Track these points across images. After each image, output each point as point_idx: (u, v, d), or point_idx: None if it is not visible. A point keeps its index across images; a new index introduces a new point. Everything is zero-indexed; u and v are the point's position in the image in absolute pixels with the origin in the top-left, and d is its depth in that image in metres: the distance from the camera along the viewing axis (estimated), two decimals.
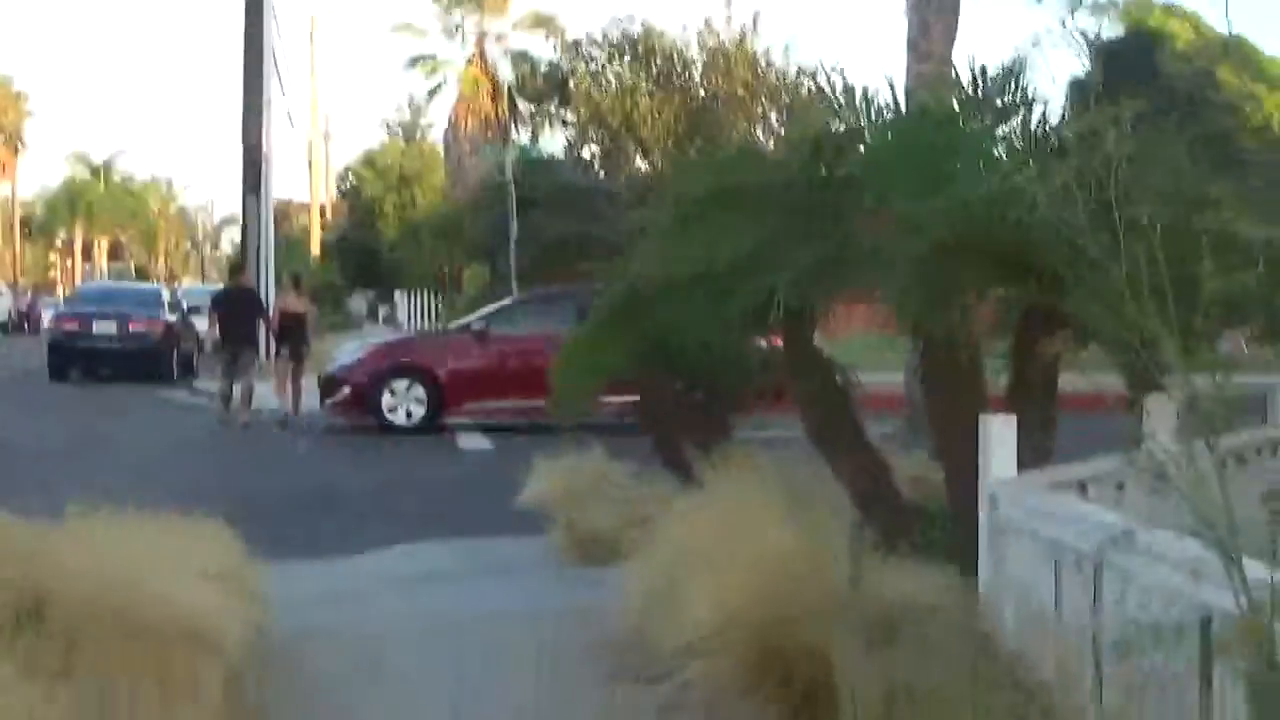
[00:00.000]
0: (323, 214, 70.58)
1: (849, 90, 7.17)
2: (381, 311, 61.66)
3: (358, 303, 65.44)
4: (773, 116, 41.29)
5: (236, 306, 22.05)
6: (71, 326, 30.28)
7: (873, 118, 7.19)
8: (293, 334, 21.96)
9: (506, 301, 23.51)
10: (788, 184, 7.09)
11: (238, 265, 26.54)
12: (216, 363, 22.39)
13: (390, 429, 19.52)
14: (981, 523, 5.60)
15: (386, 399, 19.77)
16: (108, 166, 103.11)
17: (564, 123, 45.41)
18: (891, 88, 7.26)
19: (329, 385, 20.36)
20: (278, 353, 22.40)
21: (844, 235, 6.67)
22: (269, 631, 6.91)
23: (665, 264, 7.46)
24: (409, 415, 19.77)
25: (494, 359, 19.96)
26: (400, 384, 19.87)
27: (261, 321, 22.87)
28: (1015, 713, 4.40)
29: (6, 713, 4.35)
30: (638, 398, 10.03)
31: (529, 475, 9.85)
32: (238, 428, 20.58)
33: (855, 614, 5.30)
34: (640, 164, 42.33)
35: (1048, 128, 6.89)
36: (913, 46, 11.73)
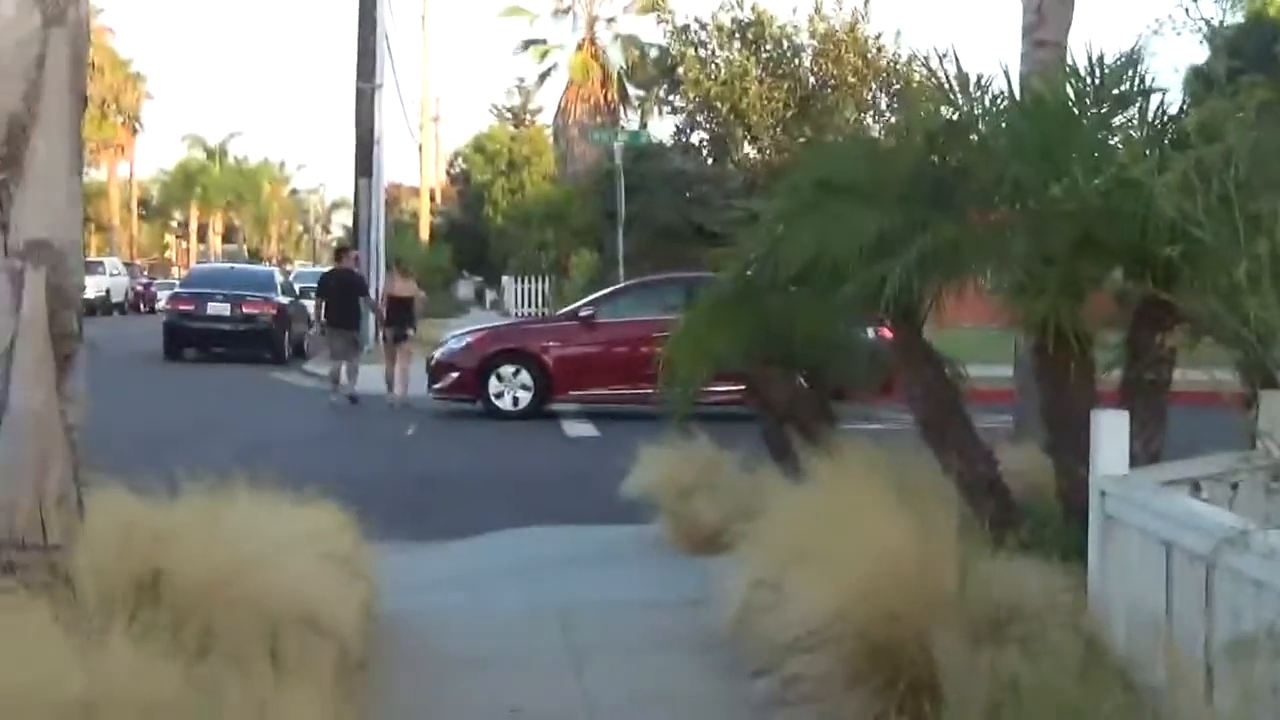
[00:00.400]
0: (432, 198, 71.15)
1: (962, 78, 7.11)
2: (489, 297, 62.03)
3: (465, 288, 65.94)
4: (883, 103, 41.01)
5: (340, 289, 22.58)
6: (186, 307, 30.76)
7: (987, 106, 7.12)
8: (400, 317, 22.48)
9: (613, 288, 23.65)
10: (900, 173, 7.05)
11: (342, 248, 27.01)
12: (324, 345, 23.03)
13: (497, 414, 19.67)
14: (1091, 520, 5.53)
15: (494, 385, 19.96)
16: (222, 149, 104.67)
17: (673, 109, 45.36)
18: (1006, 75, 7.19)
19: (437, 370, 20.52)
20: (386, 336, 22.84)
21: (957, 226, 6.61)
22: (381, 614, 7.02)
23: (776, 252, 7.45)
24: (516, 401, 19.93)
25: (601, 345, 20.04)
26: (507, 370, 20.03)
27: (365, 304, 23.30)
28: (1124, 716, 4.35)
29: (120, 686, 4.43)
30: (744, 387, 10.01)
31: (635, 463, 9.88)
32: (344, 406, 21.17)
33: (962, 611, 5.27)
34: (749, 151, 42.20)
35: (1166, 118, 6.79)
36: (1028, 32, 11.58)
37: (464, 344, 20.80)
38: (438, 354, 21.04)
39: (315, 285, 25.00)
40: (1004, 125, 6.96)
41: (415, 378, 21.46)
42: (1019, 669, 4.81)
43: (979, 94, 7.10)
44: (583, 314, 20.72)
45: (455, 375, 20.20)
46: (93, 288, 51.90)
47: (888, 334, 8.07)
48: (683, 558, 8.98)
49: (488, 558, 9.65)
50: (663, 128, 47.12)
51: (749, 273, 8.42)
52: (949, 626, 5.11)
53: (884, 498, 6.01)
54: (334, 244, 29.77)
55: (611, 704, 6.10)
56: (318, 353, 30.91)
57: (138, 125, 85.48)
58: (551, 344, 20.24)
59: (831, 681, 5.38)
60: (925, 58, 7.50)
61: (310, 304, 33.52)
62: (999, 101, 7.11)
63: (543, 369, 20.00)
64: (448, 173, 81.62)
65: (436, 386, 20.45)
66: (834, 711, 5.38)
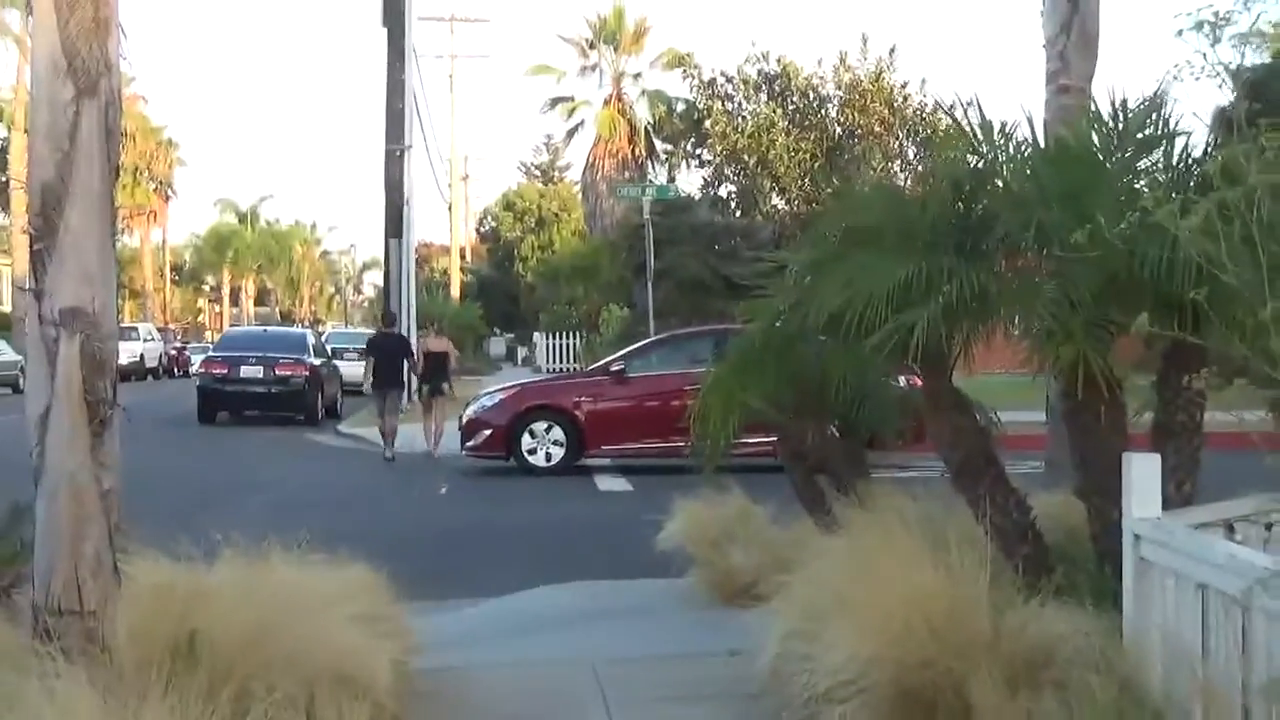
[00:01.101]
0: (462, 256, 71.43)
1: (986, 125, 7.13)
2: (520, 353, 62.16)
3: (497, 345, 66.11)
4: (910, 152, 41.10)
5: (387, 351, 23.79)
6: (220, 370, 30.93)
7: (1011, 153, 7.14)
8: (436, 372, 23.59)
9: (644, 342, 23.78)
10: (926, 221, 7.06)
11: (390, 314, 27.94)
12: (374, 403, 24.01)
13: (530, 470, 19.71)
14: (1125, 563, 5.51)
15: (526, 441, 20.05)
16: (254, 212, 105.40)
17: (700, 162, 45.55)
18: (1030, 122, 7.21)
19: (469, 428, 20.60)
20: (423, 391, 23.84)
21: (983, 273, 6.62)
22: (416, 672, 7.02)
23: (804, 303, 7.47)
24: (549, 457, 19.99)
25: (633, 400, 20.11)
26: (540, 426, 20.09)
27: (409, 364, 24.44)
28: None
29: None
30: (775, 438, 10.02)
31: (668, 516, 9.89)
32: (398, 459, 21.99)
33: (997, 656, 5.25)
34: (776, 202, 42.31)
35: (1191, 161, 6.79)
36: (1052, 79, 11.61)
37: (496, 401, 20.86)
38: (469, 411, 21.13)
39: (350, 347, 26.29)
40: (1028, 171, 6.98)
41: (449, 433, 21.62)
42: (1055, 714, 4.80)
43: (1003, 141, 7.12)
44: (614, 369, 20.79)
45: (488, 433, 20.28)
46: (126, 353, 52.24)
47: (918, 382, 8.07)
48: (717, 610, 8.97)
49: (522, 614, 9.64)
50: (690, 181, 47.36)
51: (778, 324, 8.44)
52: (984, 672, 5.10)
53: (917, 546, 6.01)
54: (381, 311, 30.52)
55: None
56: (351, 414, 31.07)
57: (170, 191, 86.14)
58: (583, 399, 20.28)
59: None
60: (950, 106, 7.51)
61: (343, 365, 34.00)
62: (1023, 148, 7.13)
63: (575, 424, 20.06)
64: (478, 230, 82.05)
65: (469, 445, 20.51)
66: None
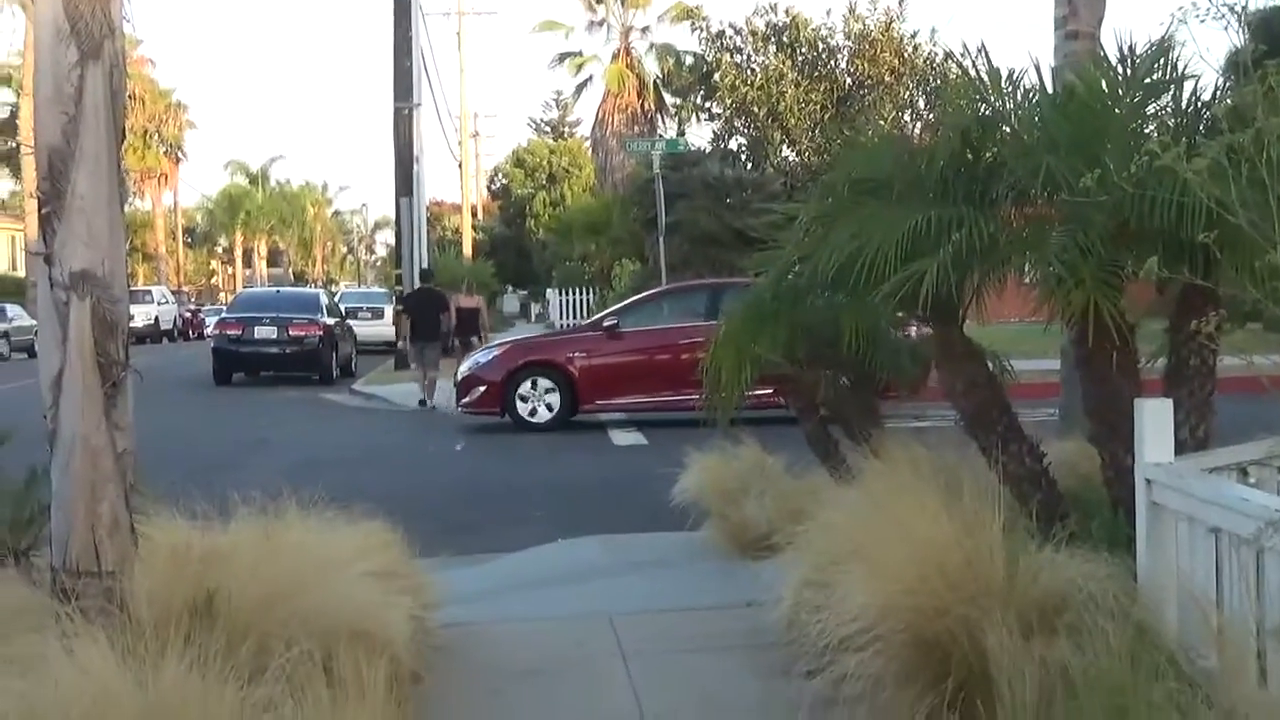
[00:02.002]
0: (474, 214, 71.38)
1: (994, 73, 7.10)
2: (534, 310, 62.16)
3: (511, 302, 66.12)
4: (921, 102, 40.94)
5: (422, 307, 25.20)
6: (234, 332, 30.96)
7: (1020, 100, 7.11)
8: (468, 326, 25.64)
9: (636, 297, 23.87)
10: (935, 171, 7.05)
11: (427, 271, 29.39)
12: (412, 357, 25.69)
13: (525, 427, 19.74)
14: (1138, 508, 5.52)
15: (520, 397, 20.04)
16: (264, 173, 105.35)
17: (710, 115, 45.42)
18: (1038, 69, 7.17)
19: (464, 385, 20.61)
20: (456, 344, 25.22)
21: (993, 221, 6.61)
22: (433, 627, 7.07)
23: (814, 254, 7.46)
24: (543, 412, 20.01)
25: (626, 355, 20.11)
26: (534, 382, 20.11)
27: (444, 319, 25.27)
28: (1177, 702, 4.35)
29: (176, 709, 4.49)
30: (773, 389, 10.02)
31: (683, 470, 9.92)
32: (444, 406, 22.77)
33: (1011, 603, 5.27)
34: (787, 154, 42.19)
35: (1200, 104, 6.76)
36: (1060, 25, 11.57)
37: (490, 357, 20.88)
38: (463, 368, 21.21)
39: (364, 306, 27.47)
40: (1037, 119, 6.95)
41: (447, 390, 22.22)
42: (1070, 659, 4.81)
43: (1011, 88, 7.09)
44: (606, 324, 20.80)
45: (482, 389, 20.27)
46: (141, 316, 52.44)
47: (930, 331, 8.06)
48: (733, 561, 9.00)
49: (538, 568, 9.69)
50: (700, 135, 47.26)
51: (789, 276, 8.43)
52: (998, 619, 5.12)
53: (930, 494, 6.02)
54: (421, 266, 31.41)
55: (664, 708, 6.13)
56: (365, 373, 31.16)
57: (181, 154, 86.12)
58: (577, 355, 20.25)
59: (882, 679, 5.39)
60: (959, 54, 7.48)
61: (356, 324, 34.37)
62: (1032, 95, 7.09)
63: (569, 380, 20.06)
64: (488, 188, 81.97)
65: (464, 401, 20.52)
66: (886, 709, 5.39)
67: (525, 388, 20.06)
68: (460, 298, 26.79)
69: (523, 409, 20.00)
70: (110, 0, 5.50)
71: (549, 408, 20.01)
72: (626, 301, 22.95)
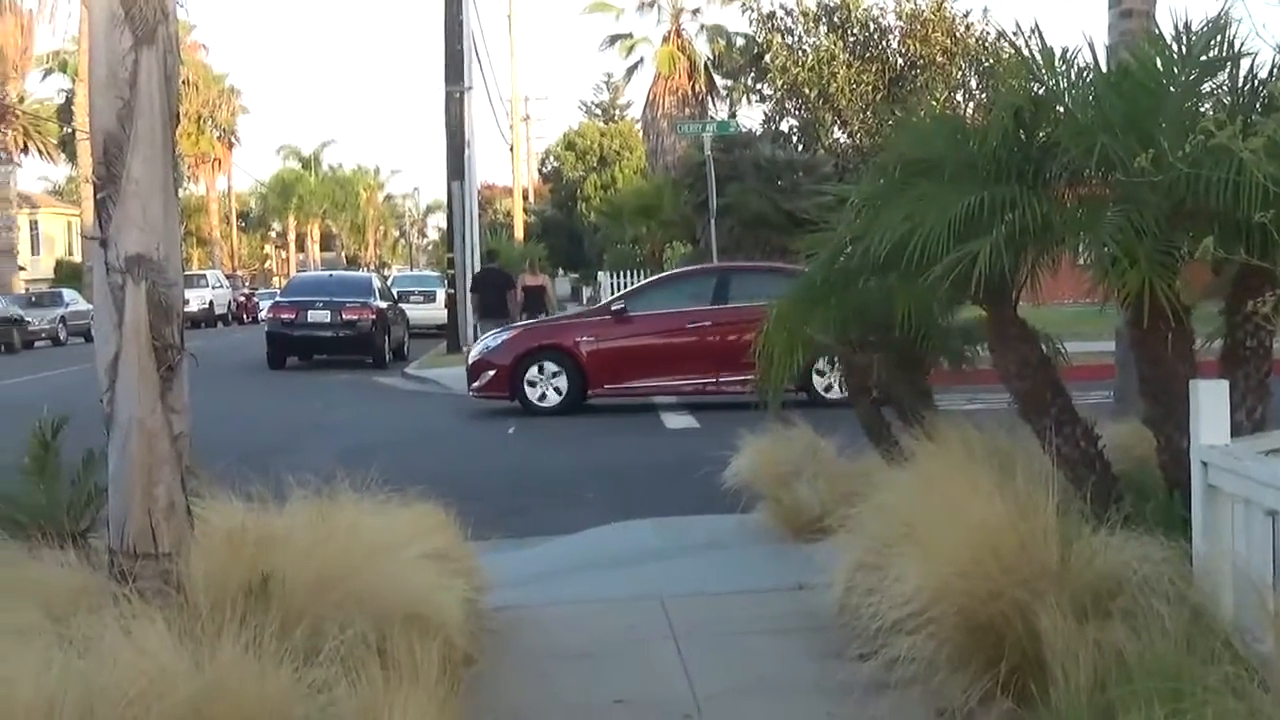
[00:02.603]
0: (525, 197, 71.42)
1: (1047, 52, 7.04)
2: (585, 293, 62.20)
3: (562, 285, 66.19)
4: (973, 82, 40.68)
5: (491, 285, 27.72)
6: (287, 316, 31.13)
7: (1073, 79, 7.05)
8: (534, 304, 27.25)
9: (643, 282, 24.27)
10: (987, 151, 7.00)
11: (493, 251, 31.43)
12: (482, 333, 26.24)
13: (534, 411, 19.80)
14: (1194, 491, 5.48)
15: (529, 381, 20.09)
16: (317, 158, 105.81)
17: (761, 97, 45.26)
18: (1092, 47, 7.11)
19: (474, 369, 20.70)
20: (523, 320, 25.53)
21: (1046, 202, 6.56)
22: (486, 610, 7.10)
23: (866, 236, 7.43)
24: (551, 396, 20.06)
25: (634, 339, 20.16)
26: (542, 366, 20.15)
27: (510, 296, 27.05)
28: (1233, 686, 4.31)
29: (232, 690, 4.53)
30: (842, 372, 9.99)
31: (735, 452, 9.91)
32: None
33: (1065, 586, 5.24)
34: (838, 135, 42.02)
35: (1256, 82, 6.69)
36: (1114, 3, 11.47)
37: (500, 342, 20.95)
38: (474, 353, 21.33)
39: (416, 289, 28.46)
40: (1091, 98, 6.89)
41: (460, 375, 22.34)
42: (1125, 643, 4.79)
43: (1065, 67, 7.03)
44: (615, 308, 20.87)
45: (491, 373, 20.32)
46: (196, 300, 52.88)
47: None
48: (785, 544, 9.00)
49: (590, 551, 9.71)
50: (751, 116, 47.10)
51: (841, 257, 8.40)
52: (1052, 602, 5.09)
53: (983, 476, 6.00)
54: (486, 247, 32.69)
55: (717, 690, 6.13)
56: (418, 356, 31.29)
57: (234, 139, 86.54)
58: (584, 339, 20.28)
59: (935, 662, 5.38)
60: (1012, 34, 7.41)
61: (409, 308, 34.93)
62: (1085, 74, 7.03)
63: (577, 364, 20.10)
64: (539, 171, 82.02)
65: (475, 385, 20.56)
66: (939, 692, 5.38)
67: (533, 372, 20.11)
68: (526, 276, 28.59)
69: (531, 393, 20.05)
70: None
71: (557, 391, 20.06)
72: (634, 286, 23.26)
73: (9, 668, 4.32)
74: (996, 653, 5.26)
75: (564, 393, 20.01)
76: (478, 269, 32.77)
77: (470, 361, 21.07)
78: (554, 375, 20.08)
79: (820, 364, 17.96)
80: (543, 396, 20.03)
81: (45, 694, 4.24)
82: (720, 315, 19.92)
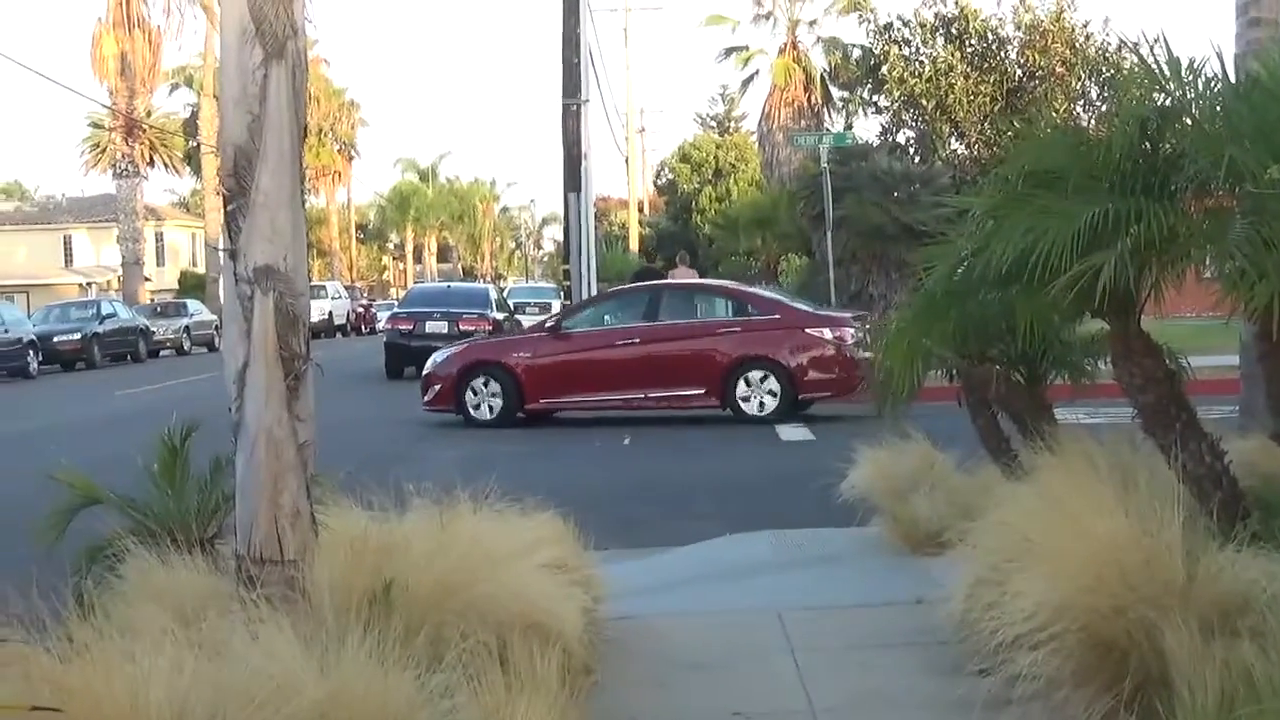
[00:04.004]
0: (640, 209, 71.64)
1: (1173, 62, 6.95)
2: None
3: None
4: (1094, 93, 40.18)
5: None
6: (405, 326, 31.52)
7: (1200, 90, 6.95)
8: None
9: (582, 300, 25.36)
10: (1111, 162, 6.92)
11: (648, 265, 34.51)
12: None
13: (474, 423, 20.34)
14: None
15: (470, 395, 20.66)
16: (434, 170, 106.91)
17: (877, 108, 45.01)
18: (1219, 57, 7.01)
19: (426, 383, 21.36)
20: None
21: (1172, 213, 6.47)
22: (604, 620, 7.12)
23: (986, 248, 7.37)
24: (490, 410, 20.60)
25: (569, 354, 20.64)
26: (481, 381, 20.69)
27: None
28: None
29: (356, 696, 4.59)
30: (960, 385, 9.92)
31: (852, 465, 9.86)
32: None
33: (1191, 604, 5.16)
34: (956, 147, 41.69)
35: None
36: (1242, 11, 11.29)
37: (445, 356, 21.59)
38: (427, 366, 21.88)
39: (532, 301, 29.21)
40: (1218, 108, 6.79)
41: None
42: (1253, 662, 4.70)
43: (1191, 77, 6.93)
44: (549, 325, 21.71)
45: (438, 387, 21.02)
46: (316, 311, 53.44)
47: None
48: (902, 558, 8.94)
49: (706, 563, 9.71)
50: (868, 128, 46.88)
51: (960, 270, 8.34)
52: (1178, 620, 5.02)
53: (1106, 491, 5.92)
54: (639, 255, 35.48)
55: (834, 704, 6.11)
56: None
57: (353, 152, 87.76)
58: (522, 354, 20.87)
59: (1057, 679, 5.32)
60: (1135, 44, 7.33)
61: (525, 319, 35.64)
62: (1213, 84, 6.93)
63: (514, 378, 20.58)
64: (655, 183, 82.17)
65: (425, 399, 21.21)
66: (1061, 709, 5.32)
67: (477, 384, 20.67)
68: (677, 271, 30.58)
69: (473, 407, 20.65)
70: (293, 1, 5.64)
71: (490, 409, 20.60)
72: (571, 304, 24.14)
73: (142, 670, 4.41)
74: (1120, 670, 5.19)
75: (496, 410, 20.60)
76: (594, 281, 33.03)
77: (424, 375, 21.81)
78: (491, 390, 20.65)
79: (743, 380, 19.67)
80: (480, 409, 20.65)
81: (177, 696, 4.32)
82: (651, 333, 20.70)
